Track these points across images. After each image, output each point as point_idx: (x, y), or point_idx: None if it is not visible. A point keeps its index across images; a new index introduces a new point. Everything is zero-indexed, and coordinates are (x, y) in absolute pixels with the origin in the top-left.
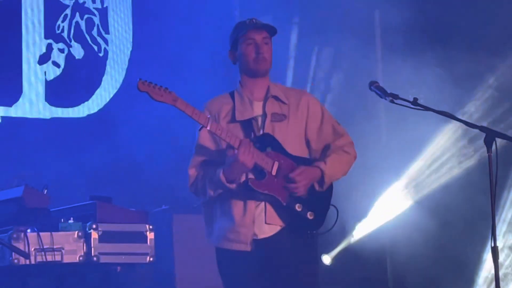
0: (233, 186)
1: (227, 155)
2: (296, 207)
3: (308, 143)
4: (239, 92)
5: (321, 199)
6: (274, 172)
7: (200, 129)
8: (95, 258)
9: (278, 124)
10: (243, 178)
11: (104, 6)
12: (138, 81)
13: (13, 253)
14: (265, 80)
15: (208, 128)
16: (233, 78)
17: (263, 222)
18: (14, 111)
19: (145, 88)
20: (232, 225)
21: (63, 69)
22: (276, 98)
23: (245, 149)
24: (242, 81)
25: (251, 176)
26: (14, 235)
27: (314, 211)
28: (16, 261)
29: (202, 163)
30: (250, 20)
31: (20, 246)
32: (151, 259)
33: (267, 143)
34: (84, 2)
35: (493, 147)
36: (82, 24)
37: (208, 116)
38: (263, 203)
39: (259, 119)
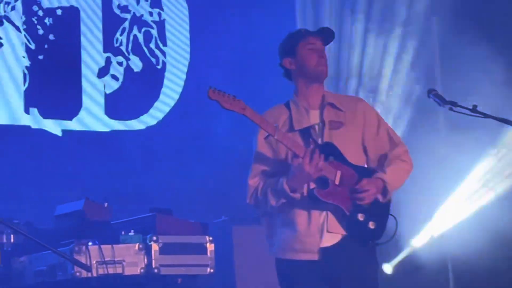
0: (297, 195)
1: (292, 165)
2: (359, 217)
3: (365, 151)
4: (294, 101)
5: (381, 209)
6: (337, 182)
7: (266, 138)
8: (156, 270)
9: (335, 132)
10: (306, 188)
11: (162, 18)
12: (208, 89)
13: (75, 266)
14: (321, 87)
15: (276, 137)
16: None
17: (325, 231)
18: (74, 125)
19: (215, 96)
20: (297, 235)
21: (122, 82)
22: (332, 105)
23: (311, 159)
24: (298, 89)
25: (314, 185)
26: (76, 248)
27: (376, 220)
28: (78, 274)
29: (262, 173)
30: (308, 29)
31: (82, 259)
32: (211, 270)
33: (329, 152)
34: (142, 15)
35: None
36: (140, 37)
37: (276, 125)
38: (325, 212)
39: (317, 128)
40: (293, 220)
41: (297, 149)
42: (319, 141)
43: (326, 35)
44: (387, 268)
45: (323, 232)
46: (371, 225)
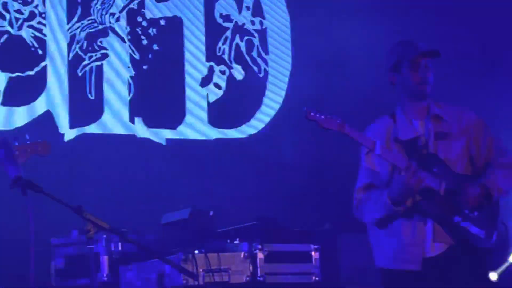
0: (400, 209)
1: (393, 178)
2: (466, 226)
3: (471, 160)
4: (399, 113)
5: (489, 217)
6: (442, 192)
7: (367, 153)
8: (261, 279)
9: (441, 142)
10: (410, 199)
11: (263, 27)
12: (305, 111)
13: (182, 274)
14: (424, 100)
15: (375, 152)
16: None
17: (430, 241)
18: (179, 133)
19: (312, 117)
20: (402, 245)
21: (224, 91)
22: (437, 116)
23: (412, 172)
24: (402, 102)
25: (419, 196)
26: (183, 257)
27: (483, 228)
28: (185, 282)
29: (367, 186)
30: (414, 44)
31: (188, 267)
32: (317, 278)
33: (432, 162)
34: (244, 24)
35: None
36: (242, 46)
37: (374, 140)
38: (430, 222)
39: (423, 138)
40: (397, 230)
41: (399, 162)
42: (424, 152)
43: (431, 53)
44: (493, 275)
45: (428, 242)
46: (479, 233)
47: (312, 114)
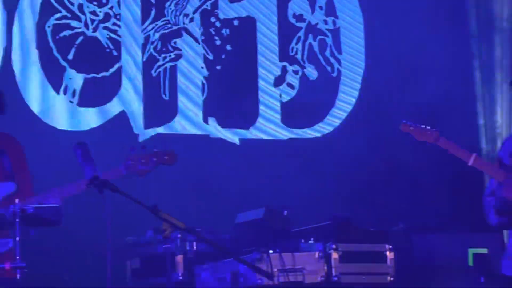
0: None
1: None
2: None
3: None
4: None
5: None
6: None
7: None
8: (336, 279)
9: None
10: None
11: (336, 26)
12: (401, 124)
13: (256, 274)
14: None
15: (469, 164)
16: None
17: None
18: (252, 133)
19: (407, 129)
20: None
21: (297, 91)
22: None
23: (508, 185)
24: None
25: None
26: (257, 256)
27: None
28: (259, 281)
29: (491, 192)
30: None
31: (263, 267)
32: (391, 279)
33: None
34: (317, 24)
35: None
36: (315, 46)
37: (472, 153)
38: None
39: None
40: None
41: (494, 175)
42: None
43: None
44: None
45: None
46: None
47: (407, 126)
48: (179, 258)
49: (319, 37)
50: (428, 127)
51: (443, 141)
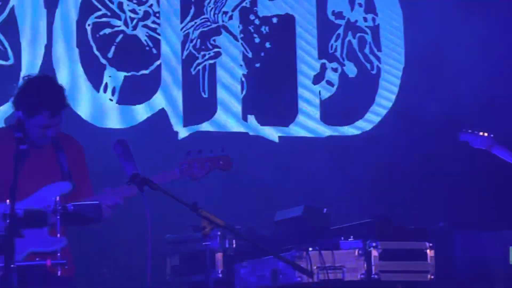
0: None
1: None
2: None
3: None
4: None
5: None
6: None
7: None
8: (375, 276)
9: None
10: None
11: (376, 24)
12: (460, 132)
13: (296, 272)
14: None
15: None
16: None
17: None
18: (291, 131)
19: (465, 137)
20: None
21: (336, 88)
22: None
23: None
24: None
25: None
26: (297, 254)
27: None
28: (299, 279)
29: None
30: None
31: (302, 264)
32: (432, 277)
33: None
34: (356, 21)
35: None
36: (355, 43)
37: None
38: None
39: None
40: None
41: None
42: None
43: None
44: None
45: None
46: None
47: (466, 133)
48: (219, 256)
49: (358, 34)
50: (485, 137)
51: (496, 149)
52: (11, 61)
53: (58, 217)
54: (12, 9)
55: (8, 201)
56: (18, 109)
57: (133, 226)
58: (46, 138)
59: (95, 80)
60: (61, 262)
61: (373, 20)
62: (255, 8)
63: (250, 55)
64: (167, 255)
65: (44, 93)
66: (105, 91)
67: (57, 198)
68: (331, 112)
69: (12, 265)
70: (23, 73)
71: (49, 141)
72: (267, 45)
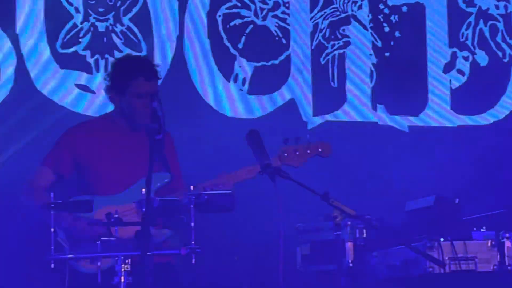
0: None
1: None
2: None
3: None
4: None
5: None
6: None
7: None
8: (510, 268)
9: None
10: None
11: (508, 11)
12: None
13: (428, 262)
14: None
15: None
16: None
17: None
18: (421, 120)
19: None
20: None
21: (467, 77)
22: None
23: None
24: None
25: None
26: (428, 244)
27: None
28: (431, 269)
29: None
30: None
31: (434, 255)
32: None
33: None
34: (488, 9)
35: None
36: (486, 31)
37: None
38: None
39: None
40: None
41: None
42: None
43: None
44: None
45: None
46: None
47: None
48: (349, 245)
49: (490, 22)
50: None
51: None
52: (144, 53)
53: (192, 206)
54: (145, 1)
55: (143, 190)
56: (112, 86)
57: (264, 215)
58: (147, 111)
59: (226, 71)
60: (196, 250)
61: (505, 7)
62: None
63: (379, 44)
64: (298, 244)
65: (135, 60)
66: (235, 81)
67: (192, 188)
68: (462, 101)
69: (148, 253)
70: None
71: (150, 116)
72: (397, 34)
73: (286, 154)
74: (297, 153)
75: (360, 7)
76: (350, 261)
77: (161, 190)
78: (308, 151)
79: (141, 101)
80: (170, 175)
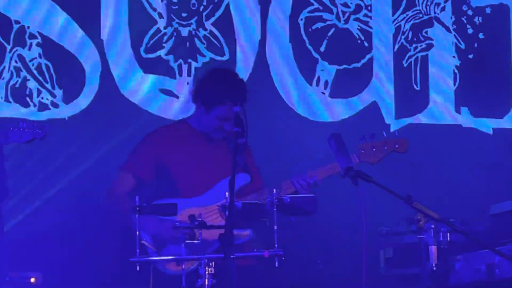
0: None
1: None
2: None
3: None
4: None
5: None
6: None
7: None
8: None
9: None
10: None
11: None
12: None
13: None
14: None
15: None
16: None
17: None
18: (506, 123)
19: None
20: None
21: None
22: None
23: None
24: None
25: None
26: None
27: None
28: None
29: None
30: None
31: None
32: None
33: None
34: None
35: None
36: None
37: None
38: None
39: None
40: None
41: None
42: None
43: None
44: None
45: None
46: None
47: None
48: (433, 249)
49: None
50: None
51: None
52: (226, 57)
53: (275, 209)
54: (227, 5)
55: (227, 193)
56: (198, 99)
57: (346, 218)
58: (222, 132)
59: (308, 74)
60: (279, 253)
61: None
62: None
63: (462, 46)
64: (381, 248)
65: (228, 84)
66: (317, 84)
67: (274, 191)
68: None
69: (232, 256)
70: (237, 68)
71: (223, 136)
72: (480, 36)
73: (363, 151)
74: (374, 149)
75: (443, 9)
76: (433, 265)
77: (241, 191)
78: (385, 148)
79: (222, 123)
80: (250, 177)
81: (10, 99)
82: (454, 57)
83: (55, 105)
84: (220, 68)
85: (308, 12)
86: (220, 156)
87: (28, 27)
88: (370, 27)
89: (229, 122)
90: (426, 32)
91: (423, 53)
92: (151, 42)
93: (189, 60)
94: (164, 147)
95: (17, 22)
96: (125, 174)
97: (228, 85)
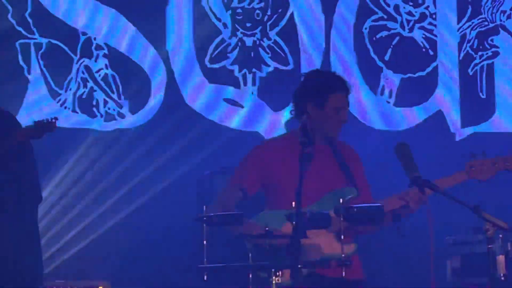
0: None
1: None
2: None
3: None
4: None
5: None
6: None
7: None
8: None
9: None
10: None
11: None
12: None
13: None
14: None
15: None
16: None
17: None
18: None
19: None
20: None
21: None
22: None
23: None
24: None
25: None
26: None
27: None
28: None
29: None
30: None
31: None
32: None
33: None
34: None
35: None
36: None
37: None
38: None
39: None
40: None
41: None
42: None
43: None
44: None
45: None
46: None
47: None
48: (501, 258)
49: None
50: None
51: None
52: (290, 66)
53: (342, 219)
54: (292, 15)
55: (293, 203)
56: (310, 98)
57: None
58: (340, 124)
59: (372, 83)
60: (346, 263)
61: None
62: None
63: None
64: (448, 257)
65: (331, 74)
66: (382, 93)
67: (341, 200)
68: None
69: (299, 266)
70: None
71: (340, 130)
72: None
73: (473, 168)
74: (484, 167)
75: (509, 16)
76: (502, 275)
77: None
78: (496, 165)
79: (338, 116)
80: (357, 190)
81: (77, 110)
82: None
83: (122, 116)
84: (313, 69)
85: (373, 21)
86: (324, 168)
87: (95, 38)
88: (435, 35)
89: (345, 111)
90: (491, 40)
91: (489, 61)
92: (216, 52)
93: (254, 70)
94: (271, 160)
95: (84, 33)
96: (232, 186)
97: (331, 74)
